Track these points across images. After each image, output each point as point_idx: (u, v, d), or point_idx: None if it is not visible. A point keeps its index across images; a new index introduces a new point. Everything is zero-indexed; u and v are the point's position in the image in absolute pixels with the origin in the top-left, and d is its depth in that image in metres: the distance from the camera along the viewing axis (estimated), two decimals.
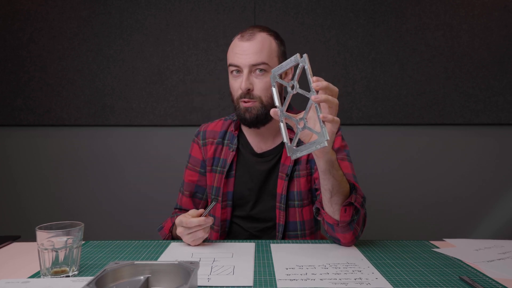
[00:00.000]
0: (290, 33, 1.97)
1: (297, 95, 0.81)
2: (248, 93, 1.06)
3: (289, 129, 0.93)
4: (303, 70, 0.77)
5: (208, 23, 1.99)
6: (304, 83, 0.76)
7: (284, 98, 0.86)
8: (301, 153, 0.80)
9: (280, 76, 0.85)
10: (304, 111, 0.82)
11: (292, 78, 0.81)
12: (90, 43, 2.01)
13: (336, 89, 0.79)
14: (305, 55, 0.77)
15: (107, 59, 2.01)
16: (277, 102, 0.85)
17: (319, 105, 0.77)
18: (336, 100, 0.78)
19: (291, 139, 0.84)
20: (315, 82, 0.76)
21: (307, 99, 0.78)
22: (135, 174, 2.06)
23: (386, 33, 1.97)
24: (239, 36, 1.08)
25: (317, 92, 0.77)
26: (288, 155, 0.82)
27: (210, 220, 0.95)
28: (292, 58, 0.79)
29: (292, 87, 0.81)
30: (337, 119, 0.78)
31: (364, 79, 1.98)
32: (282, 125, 0.84)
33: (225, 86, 1.97)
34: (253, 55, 1.04)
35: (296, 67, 0.80)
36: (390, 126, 2.01)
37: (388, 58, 1.97)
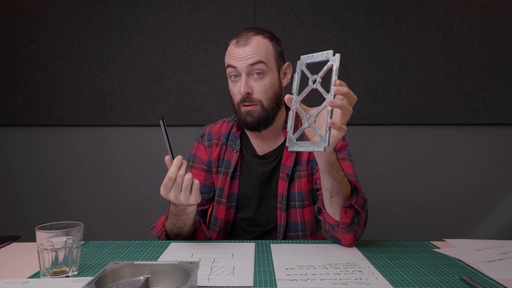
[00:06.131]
0: (290, 33, 1.97)
1: (316, 91, 0.79)
2: (247, 97, 1.05)
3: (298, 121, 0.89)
4: (331, 69, 0.76)
5: (208, 23, 1.99)
6: (325, 82, 0.74)
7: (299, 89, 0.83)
8: (299, 148, 0.79)
9: (307, 66, 0.82)
10: (316, 108, 0.80)
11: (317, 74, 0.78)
12: (90, 43, 2.01)
13: (355, 97, 0.78)
14: (338, 55, 0.75)
15: (107, 59, 2.01)
16: (294, 89, 0.83)
17: (332, 109, 0.75)
18: (351, 109, 0.77)
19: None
20: (337, 86, 0.74)
21: (322, 97, 0.76)
22: (135, 174, 2.06)
23: (386, 33, 1.96)
24: (234, 41, 1.06)
25: (334, 96, 0.75)
26: (287, 145, 0.81)
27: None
28: (325, 52, 0.77)
29: (314, 81, 0.79)
30: (345, 127, 0.77)
31: (364, 79, 1.98)
32: (291, 114, 0.82)
33: (225, 86, 1.98)
34: (250, 57, 1.03)
35: (324, 63, 0.78)
36: (390, 126, 2.01)
37: (388, 58, 1.97)
